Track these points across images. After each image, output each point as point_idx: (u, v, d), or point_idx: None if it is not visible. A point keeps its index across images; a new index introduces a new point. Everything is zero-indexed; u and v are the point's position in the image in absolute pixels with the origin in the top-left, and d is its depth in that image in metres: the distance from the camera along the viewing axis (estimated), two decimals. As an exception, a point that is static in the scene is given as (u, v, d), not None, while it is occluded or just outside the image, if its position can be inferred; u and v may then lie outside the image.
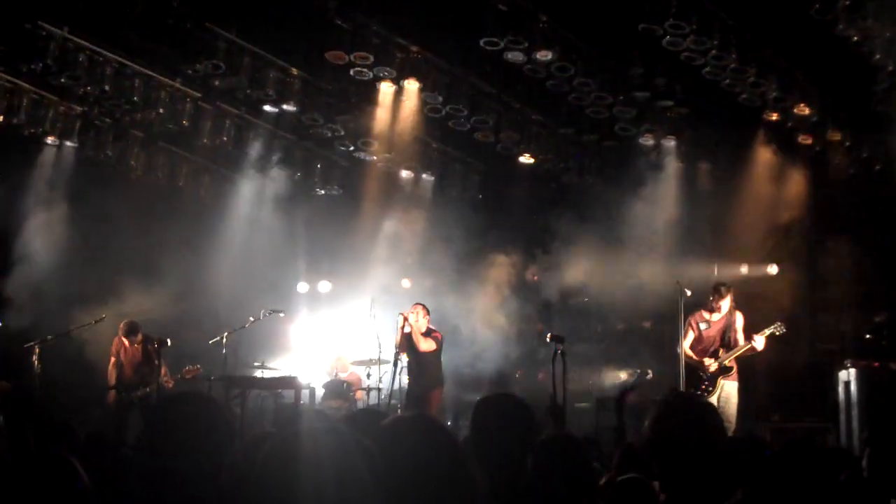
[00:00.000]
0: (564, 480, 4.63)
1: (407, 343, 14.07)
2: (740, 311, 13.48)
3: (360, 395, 15.92)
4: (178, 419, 3.53)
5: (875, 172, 15.68)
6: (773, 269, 16.23)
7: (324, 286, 19.66)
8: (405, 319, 14.01)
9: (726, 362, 13.09)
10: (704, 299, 13.58)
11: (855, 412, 12.84)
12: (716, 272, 16.10)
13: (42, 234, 16.31)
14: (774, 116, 15.28)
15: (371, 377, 15.79)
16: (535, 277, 19.27)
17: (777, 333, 13.11)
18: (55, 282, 15.77)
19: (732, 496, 3.01)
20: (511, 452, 4.23)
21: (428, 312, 14.33)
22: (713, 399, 12.70)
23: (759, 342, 13.04)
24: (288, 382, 14.92)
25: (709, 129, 16.61)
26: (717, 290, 13.45)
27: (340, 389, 15.80)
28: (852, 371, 13.11)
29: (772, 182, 16.58)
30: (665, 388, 14.32)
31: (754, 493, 3.02)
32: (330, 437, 2.94)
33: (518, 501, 3.84)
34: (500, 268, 18.17)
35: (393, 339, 14.39)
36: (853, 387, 12.97)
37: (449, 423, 14.28)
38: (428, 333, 14.15)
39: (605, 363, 17.89)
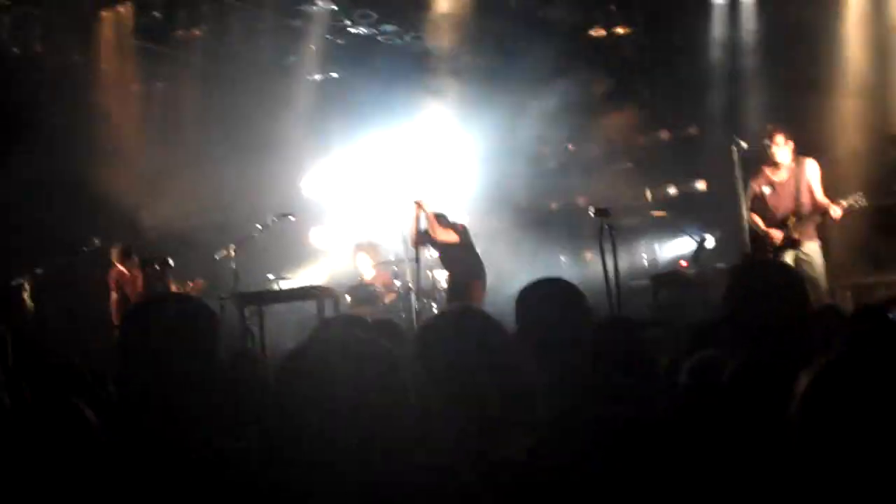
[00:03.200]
0: (621, 367, 4.65)
1: (426, 237, 14.05)
2: (812, 159, 12.52)
3: (390, 297, 15.97)
4: (153, 323, 3.57)
5: None
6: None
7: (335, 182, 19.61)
8: (419, 207, 13.95)
9: (794, 235, 12.30)
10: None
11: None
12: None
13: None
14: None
15: (399, 278, 15.85)
16: (572, 147, 19.28)
17: (856, 206, 12.22)
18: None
19: (811, 366, 3.03)
20: (563, 342, 4.25)
21: (435, 202, 14.26)
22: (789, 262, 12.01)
23: (837, 211, 12.09)
24: (308, 293, 14.96)
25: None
26: (768, 135, 12.47)
27: (368, 294, 15.85)
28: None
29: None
30: (727, 257, 14.27)
31: (834, 363, 3.03)
32: (355, 346, 2.99)
33: (574, 392, 3.87)
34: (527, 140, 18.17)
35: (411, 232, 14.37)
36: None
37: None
38: (445, 223, 14.16)
39: (658, 234, 17.88)
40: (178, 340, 3.51)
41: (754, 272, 4.11)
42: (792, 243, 12.38)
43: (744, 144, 12.88)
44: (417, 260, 14.23)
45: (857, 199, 12.19)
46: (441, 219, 14.17)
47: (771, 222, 12.60)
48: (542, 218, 18.85)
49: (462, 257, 14.13)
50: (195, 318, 3.62)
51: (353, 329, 4.20)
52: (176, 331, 3.53)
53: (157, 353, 3.49)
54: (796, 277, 4.15)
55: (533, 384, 3.76)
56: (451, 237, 13.99)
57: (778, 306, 3.86)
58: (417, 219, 13.99)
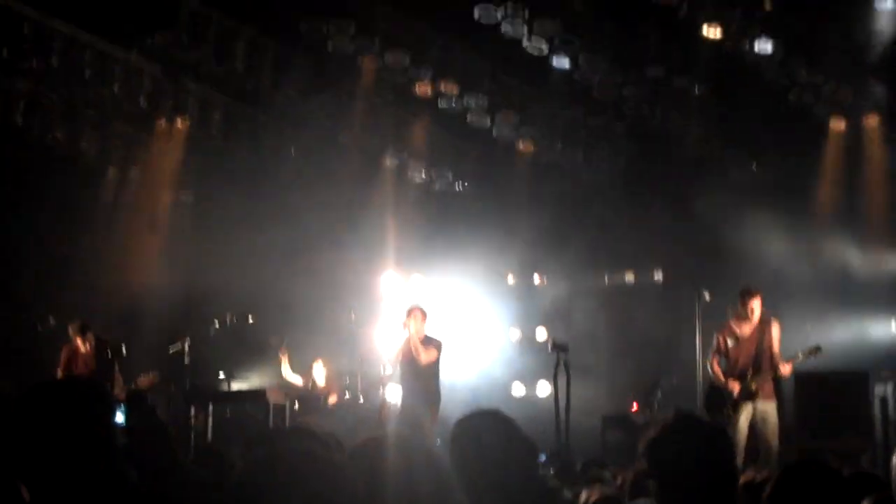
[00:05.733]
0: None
1: (403, 355, 13.66)
2: (777, 320, 12.74)
3: (332, 401, 15.86)
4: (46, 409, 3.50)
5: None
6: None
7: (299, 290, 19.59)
8: (412, 321, 13.47)
9: (752, 386, 12.41)
10: (728, 307, 12.94)
11: (894, 431, 12.83)
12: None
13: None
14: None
15: (349, 389, 15.78)
16: (542, 281, 19.36)
17: (814, 357, 12.54)
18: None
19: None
20: (497, 478, 4.20)
21: (426, 316, 13.70)
22: (743, 421, 12.34)
23: (786, 370, 12.49)
24: (256, 396, 14.85)
25: (735, 112, 16.55)
26: (742, 296, 12.63)
27: (318, 404, 15.75)
28: (890, 385, 13.12)
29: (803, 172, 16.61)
30: (675, 404, 14.27)
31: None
32: (308, 460, 2.96)
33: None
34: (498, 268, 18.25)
35: (385, 351, 14.19)
36: (891, 403, 12.97)
37: (438, 442, 14.15)
38: (428, 342, 13.58)
39: (613, 375, 17.87)
40: (69, 427, 3.42)
41: (681, 429, 4.07)
42: (748, 395, 12.43)
43: (707, 296, 12.99)
44: (395, 378, 13.93)
45: (812, 351, 12.47)
46: (425, 339, 13.84)
47: (730, 374, 12.66)
48: (502, 345, 18.84)
49: (432, 379, 13.67)
50: (87, 406, 3.53)
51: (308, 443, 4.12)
52: (67, 417, 3.44)
53: (48, 439, 3.40)
54: (724, 442, 4.15)
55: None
56: (432, 356, 13.56)
57: (697, 468, 3.86)
58: (410, 338, 13.57)
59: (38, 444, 3.40)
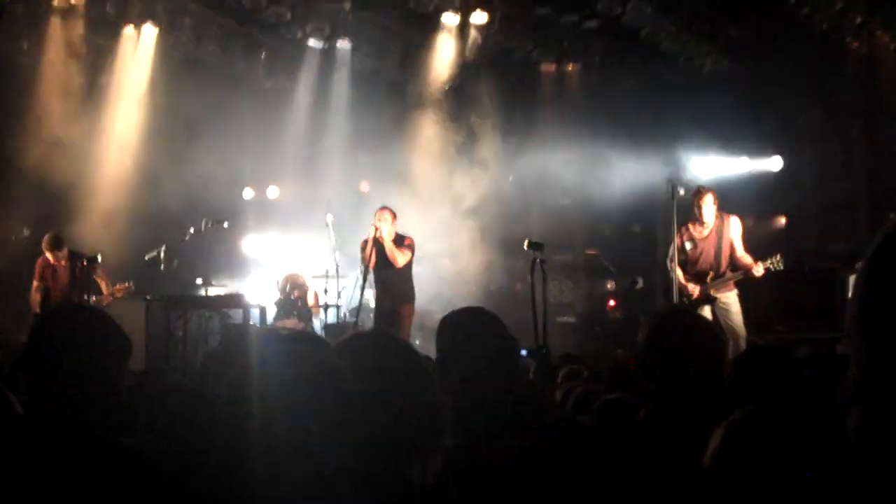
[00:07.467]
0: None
1: (377, 255, 13.78)
2: (735, 216, 12.74)
3: (316, 310, 15.94)
4: (65, 331, 3.56)
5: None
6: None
7: (272, 192, 19.58)
8: (377, 230, 13.56)
9: (710, 291, 12.48)
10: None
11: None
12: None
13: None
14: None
15: (328, 293, 15.82)
16: (510, 178, 19.34)
17: (773, 269, 12.40)
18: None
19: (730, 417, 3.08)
20: (480, 372, 4.25)
21: (395, 217, 13.77)
22: (707, 313, 12.23)
23: (760, 270, 12.30)
24: (235, 301, 14.90)
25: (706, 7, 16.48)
26: (695, 195, 12.71)
27: (295, 308, 15.82)
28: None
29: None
30: (653, 301, 14.37)
31: (753, 415, 3.07)
32: (287, 356, 3.00)
33: (486, 425, 3.88)
34: (468, 168, 18.20)
35: (357, 252, 14.18)
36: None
37: (418, 343, 14.28)
38: (400, 242, 13.70)
39: (589, 273, 17.96)
40: (85, 354, 3.49)
41: (672, 323, 4.17)
42: (708, 299, 12.52)
43: (682, 191, 13.02)
44: (365, 280, 14.01)
45: (774, 262, 12.37)
46: (397, 238, 13.90)
47: (690, 275, 12.75)
48: (478, 245, 18.86)
49: (405, 278, 13.89)
50: (104, 335, 3.59)
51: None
52: (84, 344, 3.50)
53: (65, 363, 3.47)
54: (712, 331, 4.25)
55: (443, 411, 3.77)
56: (407, 257, 13.72)
57: (692, 360, 3.95)
58: (374, 240, 13.69)
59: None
